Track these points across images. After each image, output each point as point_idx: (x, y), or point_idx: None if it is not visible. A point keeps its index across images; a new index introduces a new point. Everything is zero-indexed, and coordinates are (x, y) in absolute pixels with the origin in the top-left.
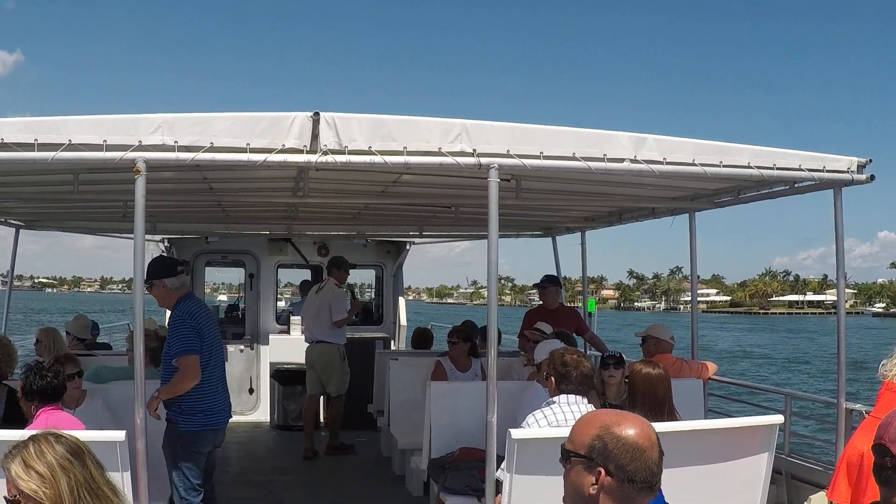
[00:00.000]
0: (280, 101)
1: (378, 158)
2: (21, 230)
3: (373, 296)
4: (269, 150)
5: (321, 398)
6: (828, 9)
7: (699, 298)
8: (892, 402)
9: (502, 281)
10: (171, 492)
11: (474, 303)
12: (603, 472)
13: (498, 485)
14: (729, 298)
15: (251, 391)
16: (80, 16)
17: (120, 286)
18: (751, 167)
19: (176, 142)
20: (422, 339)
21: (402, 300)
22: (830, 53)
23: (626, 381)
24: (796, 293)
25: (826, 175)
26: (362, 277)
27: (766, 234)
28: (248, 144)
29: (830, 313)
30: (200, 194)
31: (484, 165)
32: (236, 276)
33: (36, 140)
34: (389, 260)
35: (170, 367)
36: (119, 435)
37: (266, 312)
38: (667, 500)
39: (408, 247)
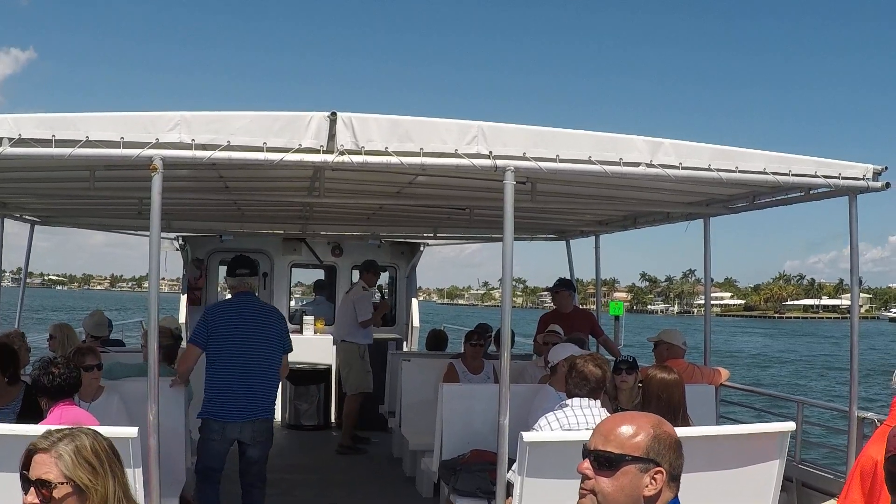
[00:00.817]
0: (296, 98)
1: (394, 159)
2: (36, 226)
3: (386, 297)
4: (286, 150)
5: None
6: (845, 8)
7: (713, 302)
8: None
9: (514, 283)
10: (181, 488)
11: (485, 304)
12: (663, 472)
13: (509, 487)
14: (743, 302)
15: None
16: (93, 12)
17: (130, 284)
18: (766, 173)
19: (193, 140)
20: (436, 340)
21: (415, 301)
22: (845, 53)
23: (640, 385)
24: (811, 297)
25: (841, 182)
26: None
27: (777, 237)
28: (265, 143)
29: (846, 318)
30: (216, 193)
31: (500, 168)
32: None
33: (53, 136)
34: (403, 261)
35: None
36: (132, 431)
37: None
38: None
39: (422, 248)
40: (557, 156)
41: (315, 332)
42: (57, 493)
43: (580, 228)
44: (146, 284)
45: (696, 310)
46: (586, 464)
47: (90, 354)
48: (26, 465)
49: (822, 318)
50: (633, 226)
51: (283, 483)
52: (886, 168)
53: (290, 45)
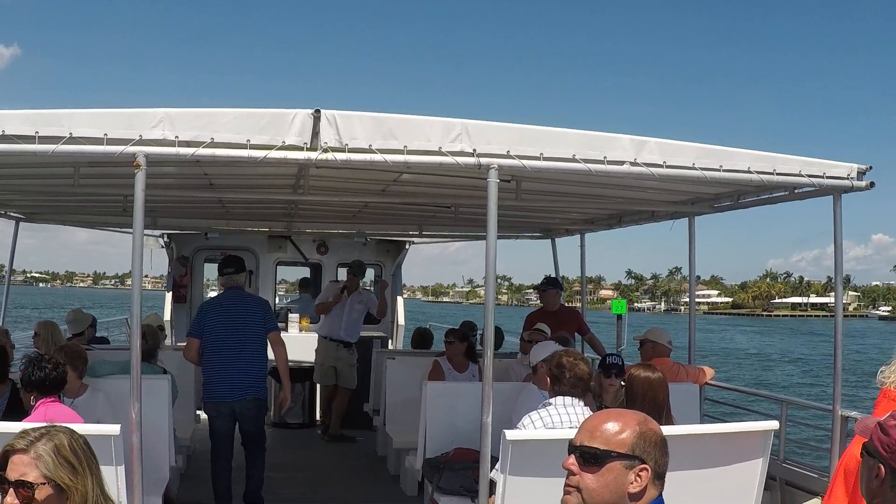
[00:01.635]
0: (281, 95)
1: (378, 157)
2: (21, 223)
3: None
4: (270, 147)
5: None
6: (833, 7)
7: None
8: (889, 409)
9: (499, 280)
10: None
11: (470, 301)
12: (648, 469)
13: (492, 485)
14: (731, 300)
15: None
16: (77, 8)
17: (113, 281)
18: (751, 172)
19: (177, 137)
20: (422, 339)
21: (400, 299)
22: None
23: (622, 384)
24: (799, 295)
25: (826, 181)
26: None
27: (760, 235)
28: (248, 141)
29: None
30: (201, 190)
31: (484, 166)
32: None
33: (37, 133)
34: (389, 259)
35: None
36: (114, 429)
37: None
38: None
39: (407, 246)
40: (542, 154)
41: (300, 330)
42: (38, 495)
43: (565, 227)
44: (129, 282)
45: (682, 307)
46: (571, 459)
47: (79, 359)
48: (2, 465)
49: (811, 316)
50: (619, 224)
51: (267, 481)
52: (871, 167)
53: (276, 43)
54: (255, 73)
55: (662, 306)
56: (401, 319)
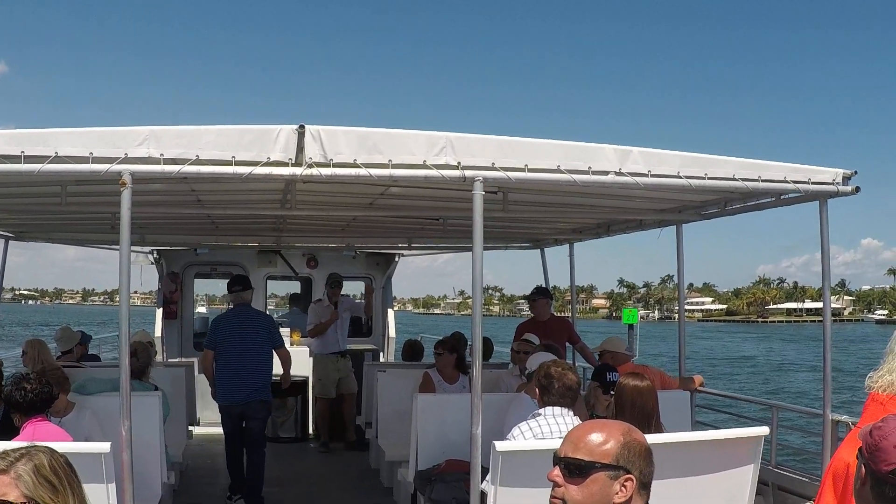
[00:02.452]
0: (266, 111)
1: (363, 171)
2: (10, 241)
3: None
4: (255, 163)
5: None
6: (819, 15)
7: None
8: (878, 414)
9: (490, 291)
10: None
11: (462, 313)
12: (633, 479)
13: (483, 497)
14: (725, 307)
15: None
16: (64, 27)
17: (102, 298)
18: (736, 179)
19: (162, 154)
20: (412, 351)
21: (391, 312)
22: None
23: (611, 394)
24: (794, 301)
25: (811, 187)
26: (351, 289)
27: (749, 242)
28: (233, 157)
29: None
30: (189, 206)
31: (469, 178)
32: (217, 288)
33: (23, 152)
34: (378, 272)
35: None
36: (104, 447)
37: None
38: None
39: (397, 259)
40: (526, 165)
41: (292, 344)
42: None
43: (554, 237)
44: (118, 298)
45: (677, 315)
46: (556, 471)
47: (60, 380)
48: None
49: (807, 321)
50: (607, 233)
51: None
52: (856, 172)
53: (261, 57)
54: (240, 89)
55: (656, 314)
56: (392, 332)
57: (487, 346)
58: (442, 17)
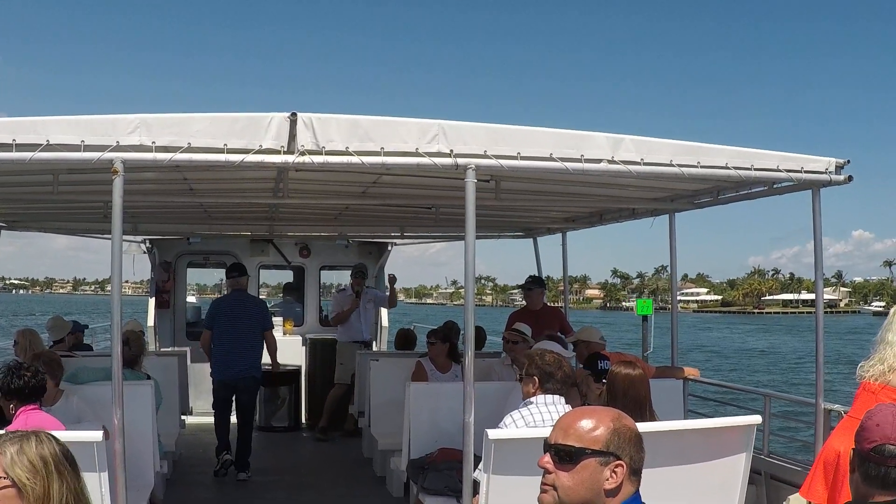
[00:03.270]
0: (258, 100)
1: (355, 159)
2: (2, 231)
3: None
4: (247, 151)
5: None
6: (811, 7)
7: (689, 297)
8: (869, 403)
9: (483, 281)
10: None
11: (455, 303)
12: (623, 465)
13: (476, 485)
14: (720, 298)
15: None
16: (56, 17)
17: (93, 287)
18: (728, 168)
19: (154, 142)
20: (405, 340)
21: None
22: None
23: (604, 383)
24: (790, 292)
25: (804, 176)
26: (344, 278)
27: (740, 233)
28: (225, 145)
29: (827, 312)
30: (181, 195)
31: (461, 166)
32: (210, 277)
33: (14, 140)
34: (371, 261)
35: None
36: (97, 435)
37: None
38: (644, 501)
39: (389, 248)
40: (518, 153)
41: (284, 334)
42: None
43: (546, 226)
44: (109, 288)
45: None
46: (547, 458)
47: (55, 365)
48: None
49: (803, 312)
50: (600, 222)
51: (253, 485)
52: (849, 161)
53: (252, 47)
54: (232, 79)
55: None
56: (384, 321)
57: (480, 335)
58: (435, 7)
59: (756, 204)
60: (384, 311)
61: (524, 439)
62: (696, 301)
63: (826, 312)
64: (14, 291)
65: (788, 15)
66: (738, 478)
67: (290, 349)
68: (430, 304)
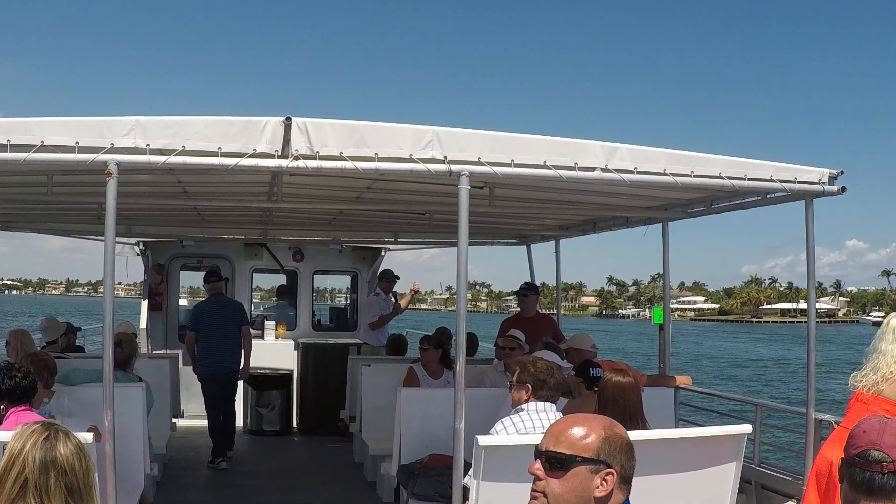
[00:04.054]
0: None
1: (349, 164)
2: None
3: (347, 301)
4: (241, 155)
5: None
6: (806, 13)
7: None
8: (862, 414)
9: (478, 287)
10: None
11: (449, 309)
12: (614, 473)
13: (465, 491)
14: (717, 306)
15: None
16: (50, 15)
17: (86, 289)
18: (722, 178)
19: (148, 145)
20: (396, 345)
21: None
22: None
23: (595, 391)
24: (788, 301)
25: (798, 186)
26: (337, 283)
27: (733, 242)
28: (219, 148)
29: (824, 322)
30: (175, 198)
31: (455, 172)
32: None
33: (8, 141)
34: (364, 266)
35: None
36: (86, 436)
37: None
38: None
39: (383, 253)
40: (513, 160)
41: (276, 338)
42: None
43: (540, 233)
44: (102, 290)
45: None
46: (537, 465)
47: (44, 367)
48: None
49: (802, 322)
50: (593, 230)
51: (243, 489)
52: (842, 172)
53: (249, 48)
54: (227, 80)
55: (647, 313)
56: None
57: (472, 341)
58: (432, 11)
59: (750, 213)
60: None
61: (515, 446)
62: (693, 309)
63: (824, 322)
64: (7, 292)
65: (787, 19)
66: (728, 487)
67: (282, 353)
68: (424, 309)
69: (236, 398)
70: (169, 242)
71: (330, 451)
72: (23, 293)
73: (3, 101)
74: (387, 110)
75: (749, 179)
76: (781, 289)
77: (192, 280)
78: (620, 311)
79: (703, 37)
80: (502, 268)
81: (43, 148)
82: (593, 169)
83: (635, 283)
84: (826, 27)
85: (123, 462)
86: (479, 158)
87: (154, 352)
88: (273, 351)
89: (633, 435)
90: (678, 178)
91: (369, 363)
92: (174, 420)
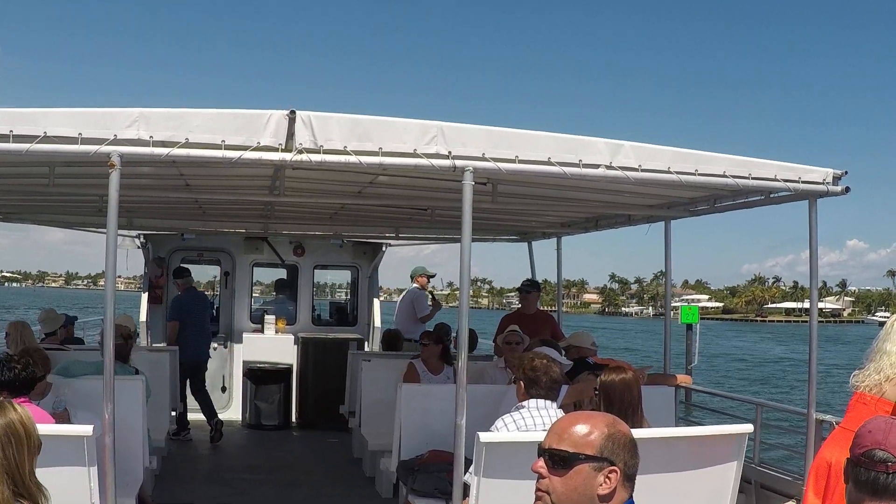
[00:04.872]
0: (258, 96)
1: (353, 158)
2: None
3: (348, 296)
4: (245, 148)
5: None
6: (810, 12)
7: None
8: (863, 414)
9: (479, 283)
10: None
11: (450, 305)
12: (617, 471)
13: (466, 488)
14: (721, 305)
15: (224, 389)
16: (53, 8)
17: (86, 282)
18: (726, 176)
19: (151, 137)
20: (391, 340)
21: (377, 302)
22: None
23: (596, 391)
24: (793, 300)
25: (801, 186)
26: (338, 278)
27: (734, 240)
28: (223, 141)
29: (830, 321)
30: (177, 190)
31: (459, 168)
32: (204, 274)
33: (11, 131)
34: (365, 261)
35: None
36: (87, 429)
37: (240, 311)
38: None
39: (384, 248)
40: (517, 157)
41: (276, 332)
42: None
43: (542, 230)
44: (102, 282)
45: (672, 312)
46: (541, 462)
47: (39, 360)
48: None
49: (806, 321)
50: (595, 228)
51: (242, 483)
52: (846, 172)
53: (253, 42)
54: (232, 74)
55: (651, 311)
56: (377, 321)
57: (472, 337)
58: (438, 6)
59: (751, 212)
60: (377, 312)
61: (516, 443)
62: (698, 308)
63: (830, 322)
64: (6, 284)
65: (790, 17)
66: (728, 486)
67: (281, 348)
68: None
69: (236, 394)
70: (169, 235)
71: (329, 445)
72: (22, 285)
73: (6, 95)
74: (392, 106)
75: (753, 179)
76: (786, 288)
77: (193, 273)
78: (623, 308)
79: (707, 35)
80: (503, 264)
81: (46, 139)
82: (598, 166)
83: (638, 280)
84: (829, 26)
85: (122, 455)
86: (483, 154)
87: (154, 345)
88: (273, 345)
89: (634, 433)
90: (682, 177)
91: (369, 358)
92: (173, 413)
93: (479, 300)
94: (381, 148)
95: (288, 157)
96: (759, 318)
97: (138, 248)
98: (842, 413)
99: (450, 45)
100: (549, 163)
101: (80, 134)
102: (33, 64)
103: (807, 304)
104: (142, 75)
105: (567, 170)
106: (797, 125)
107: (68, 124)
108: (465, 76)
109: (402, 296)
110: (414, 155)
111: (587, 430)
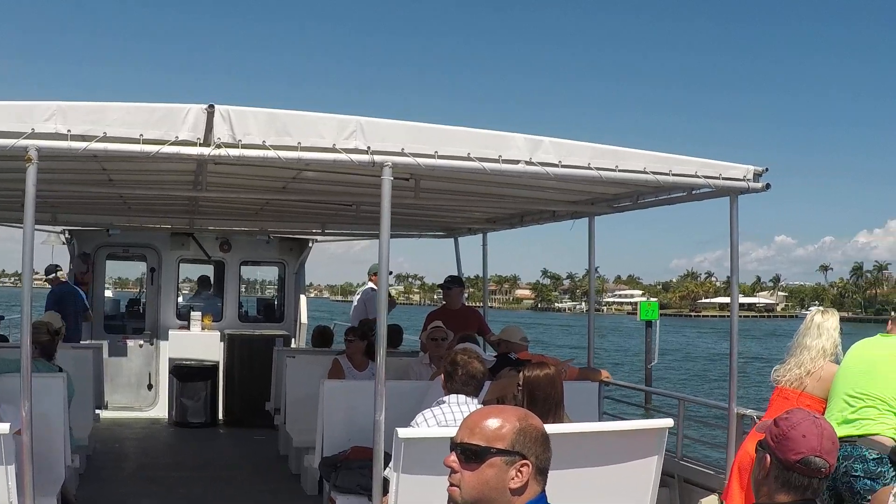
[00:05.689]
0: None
1: (272, 153)
2: None
3: (274, 293)
4: (163, 142)
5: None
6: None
7: (624, 300)
8: (783, 408)
9: (411, 280)
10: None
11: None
12: (529, 464)
13: (386, 483)
14: (655, 300)
15: (150, 387)
16: None
17: (12, 279)
18: (646, 172)
19: (69, 130)
20: (322, 337)
21: (303, 298)
22: (728, 54)
23: (518, 386)
24: (726, 295)
25: (722, 182)
26: (266, 274)
27: (662, 236)
28: (141, 135)
29: (764, 316)
30: (100, 185)
31: (378, 163)
32: (134, 270)
33: None
34: (292, 257)
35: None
36: (3, 427)
37: (167, 307)
38: (550, 501)
39: (311, 244)
40: (436, 152)
41: (203, 329)
42: None
43: (467, 226)
44: None
45: (605, 307)
46: (453, 457)
47: None
48: None
49: (742, 316)
50: (521, 224)
51: (167, 480)
52: (767, 169)
53: (174, 36)
54: (150, 67)
55: (584, 306)
56: (304, 318)
57: (396, 333)
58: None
59: (677, 208)
60: (304, 307)
61: (434, 438)
62: (630, 303)
63: (763, 317)
64: None
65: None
66: (649, 480)
67: (208, 344)
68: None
69: (162, 391)
70: (95, 231)
71: (256, 443)
72: None
73: None
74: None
75: (674, 175)
76: (719, 283)
77: (118, 270)
78: (556, 304)
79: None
80: (435, 260)
81: None
82: (517, 162)
83: (570, 276)
84: (771, 25)
85: (43, 454)
86: (402, 149)
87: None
88: (199, 342)
89: (557, 428)
90: (602, 173)
91: (294, 355)
92: (98, 411)
93: (411, 296)
94: (299, 143)
95: (206, 151)
96: (693, 314)
97: (63, 243)
98: (762, 407)
99: (376, 40)
100: (468, 158)
101: None
102: None
103: (743, 300)
104: (56, 67)
105: (487, 165)
106: (717, 123)
107: None
108: (451, 76)
109: (357, 295)
110: (333, 150)
111: (499, 423)
